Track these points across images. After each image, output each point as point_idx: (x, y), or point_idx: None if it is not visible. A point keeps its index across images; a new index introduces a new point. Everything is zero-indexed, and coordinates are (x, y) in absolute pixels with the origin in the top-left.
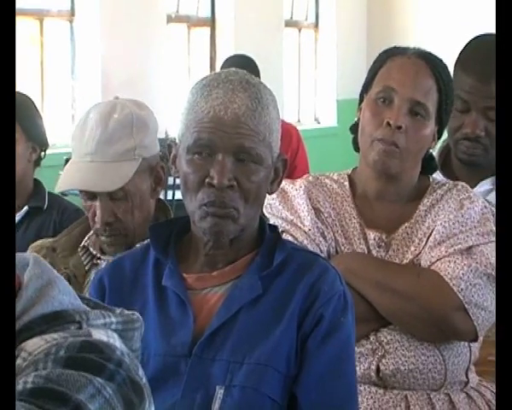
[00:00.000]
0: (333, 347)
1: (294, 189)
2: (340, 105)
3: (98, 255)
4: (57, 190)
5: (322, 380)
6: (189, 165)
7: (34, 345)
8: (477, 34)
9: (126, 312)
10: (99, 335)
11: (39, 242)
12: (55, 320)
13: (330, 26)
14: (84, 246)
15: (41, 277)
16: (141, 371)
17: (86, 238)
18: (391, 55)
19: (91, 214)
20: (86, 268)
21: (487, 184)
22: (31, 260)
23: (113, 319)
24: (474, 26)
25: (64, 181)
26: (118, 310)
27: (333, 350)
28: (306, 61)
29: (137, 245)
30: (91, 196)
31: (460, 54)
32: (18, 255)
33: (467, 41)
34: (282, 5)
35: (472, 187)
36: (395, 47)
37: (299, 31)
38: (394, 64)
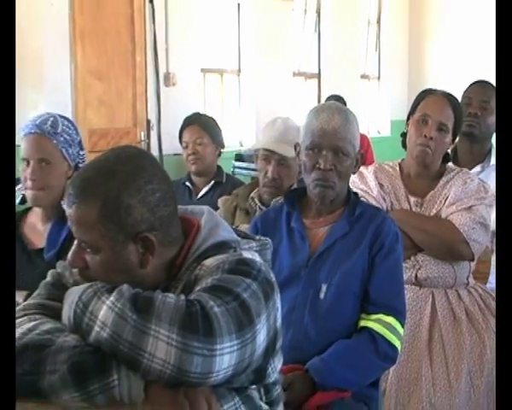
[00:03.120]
0: (390, 261)
1: (367, 172)
2: (393, 123)
3: (259, 205)
4: (254, 147)
5: (384, 280)
6: (306, 157)
7: (210, 262)
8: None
9: (262, 238)
10: (246, 254)
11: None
12: (221, 247)
13: (387, 77)
14: (252, 197)
15: (211, 220)
16: (271, 274)
17: (253, 193)
18: (427, 94)
19: (264, 173)
20: (255, 209)
21: (478, 168)
22: (205, 211)
23: (254, 244)
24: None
25: (259, 144)
26: (257, 237)
27: (390, 263)
28: (373, 98)
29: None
30: (268, 161)
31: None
32: (198, 207)
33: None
34: (357, 64)
35: (469, 168)
36: (429, 89)
37: (369, 80)
38: (430, 100)
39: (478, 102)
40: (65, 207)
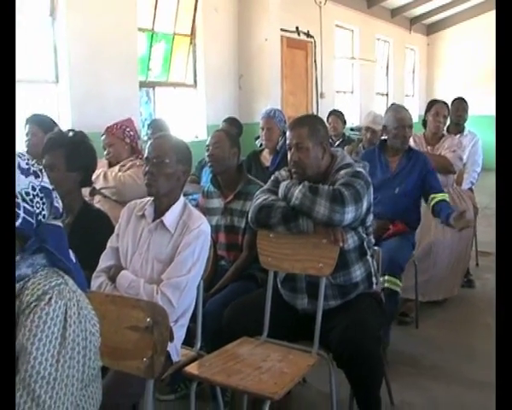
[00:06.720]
0: (432, 174)
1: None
2: (419, 116)
3: (363, 150)
4: (362, 125)
5: (431, 175)
6: (391, 129)
7: (342, 172)
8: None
9: (365, 162)
10: (358, 169)
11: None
12: (347, 166)
13: (416, 95)
14: (359, 146)
15: (342, 154)
16: (370, 179)
17: (360, 144)
18: (435, 102)
19: (365, 136)
20: (362, 151)
21: (458, 136)
22: (339, 150)
23: (361, 164)
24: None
25: (363, 124)
26: (362, 162)
27: (433, 173)
28: (411, 105)
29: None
30: (367, 131)
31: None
32: (335, 149)
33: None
34: (404, 89)
35: (454, 135)
36: (435, 99)
37: (408, 97)
38: (437, 104)
39: (462, 109)
40: (288, 132)
